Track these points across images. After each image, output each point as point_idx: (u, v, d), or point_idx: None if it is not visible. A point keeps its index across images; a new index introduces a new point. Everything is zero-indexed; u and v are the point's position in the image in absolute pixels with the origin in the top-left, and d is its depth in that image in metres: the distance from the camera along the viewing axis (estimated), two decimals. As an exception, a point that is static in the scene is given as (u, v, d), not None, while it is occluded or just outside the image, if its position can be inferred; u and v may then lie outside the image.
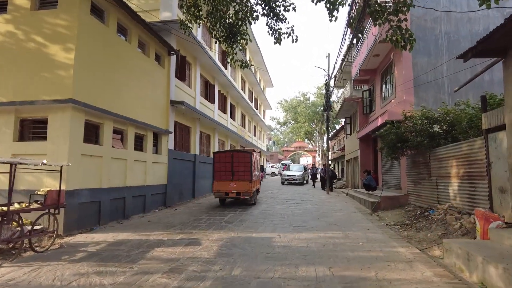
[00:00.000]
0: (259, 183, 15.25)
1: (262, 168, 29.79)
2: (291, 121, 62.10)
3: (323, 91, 51.71)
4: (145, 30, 10.50)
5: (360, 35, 15.07)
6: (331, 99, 17.98)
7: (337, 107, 24.75)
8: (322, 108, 49.74)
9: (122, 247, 5.84)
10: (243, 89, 26.47)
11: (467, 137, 7.13)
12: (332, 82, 20.99)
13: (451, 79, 11.45)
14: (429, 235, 6.53)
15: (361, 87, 19.20)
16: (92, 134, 8.49)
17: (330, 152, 45.50)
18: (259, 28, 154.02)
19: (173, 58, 12.75)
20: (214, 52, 18.20)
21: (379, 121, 12.45)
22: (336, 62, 16.08)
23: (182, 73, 13.73)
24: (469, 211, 6.58)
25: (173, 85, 12.67)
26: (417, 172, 9.98)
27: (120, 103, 9.25)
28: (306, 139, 64.43)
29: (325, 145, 57.51)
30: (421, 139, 8.90)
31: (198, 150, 15.42)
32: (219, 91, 19.13)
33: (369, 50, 13.44)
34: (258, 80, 32.24)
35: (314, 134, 58.45)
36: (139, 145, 10.48)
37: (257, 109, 32.42)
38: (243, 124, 26.82)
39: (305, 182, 26.39)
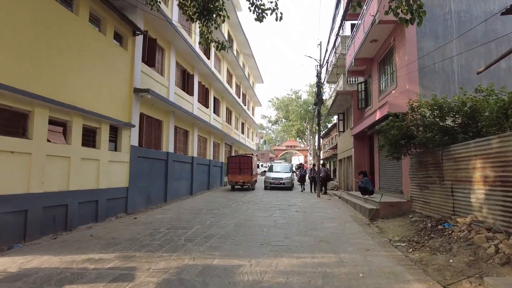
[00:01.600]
0: (256, 176, 22.89)
1: (258, 166, 33.06)
2: (283, 119, 60.76)
3: (315, 89, 50.56)
4: (99, 1, 8.63)
5: (356, 21, 13.43)
6: (323, 97, 16.30)
7: (329, 103, 23.10)
8: (313, 105, 48.42)
9: (18, 284, 4.02)
10: (229, 82, 24.65)
11: (501, 131, 5.46)
12: (323, 75, 19.32)
13: (462, 66, 9.84)
14: (451, 260, 4.83)
15: (355, 80, 17.54)
16: (17, 125, 6.61)
17: (321, 151, 44.06)
18: (247, 19, 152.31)
19: (140, 40, 10.89)
20: (195, 38, 16.36)
21: (378, 115, 10.79)
22: (327, 50, 14.39)
23: (151, 58, 11.86)
24: (507, 229, 4.92)
25: (139, 70, 10.81)
26: (425, 175, 8.32)
27: (63, 88, 7.37)
28: (298, 138, 63.05)
29: (318, 144, 56.28)
30: (431, 134, 7.23)
31: (173, 148, 13.58)
32: (200, 83, 17.29)
33: (365, 34, 11.76)
34: (247, 75, 30.47)
35: (306, 133, 57.09)
36: (90, 140, 8.61)
37: (245, 105, 30.63)
38: (229, 121, 25.00)
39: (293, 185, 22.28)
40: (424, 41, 9.87)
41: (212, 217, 9.03)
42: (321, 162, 29.54)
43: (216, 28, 8.83)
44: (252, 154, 21.77)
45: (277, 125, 67.13)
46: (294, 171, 24.75)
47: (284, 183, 19.68)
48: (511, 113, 5.03)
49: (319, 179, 16.31)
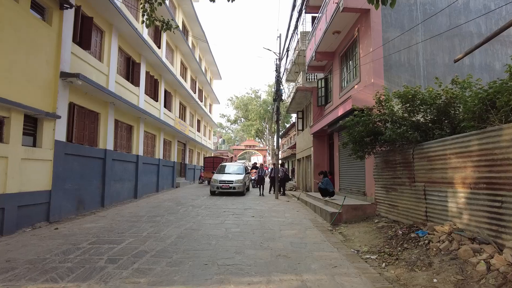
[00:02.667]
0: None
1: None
2: (242, 119, 59.83)
3: (274, 88, 50.15)
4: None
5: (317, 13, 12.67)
6: (282, 93, 15.41)
7: (288, 102, 22.37)
8: (271, 104, 48.03)
9: None
10: (184, 76, 23.03)
11: (484, 125, 4.74)
12: (282, 71, 18.48)
13: (428, 60, 9.37)
14: (435, 280, 3.98)
15: (315, 77, 16.88)
16: None
17: (280, 151, 43.68)
18: (204, 13, 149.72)
19: (70, 15, 9.13)
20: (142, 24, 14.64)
21: (340, 111, 10.04)
22: (285, 41, 13.46)
23: (86, 40, 10.11)
24: (495, 239, 4.17)
25: (68, 52, 9.05)
26: (392, 175, 7.62)
27: None
28: (257, 138, 62.38)
29: (276, 142, 55.62)
30: (403, 130, 6.48)
31: (112, 145, 11.84)
32: (148, 73, 15.60)
33: (328, 24, 10.98)
34: (203, 70, 28.97)
35: (265, 133, 56.61)
36: (-7, 132, 6.83)
37: (202, 101, 29.08)
38: (183, 117, 23.36)
39: (246, 189, 18.20)
40: (389, 32, 9.26)
41: (152, 226, 7.61)
42: (280, 162, 28.83)
43: (160, 4, 7.55)
44: (225, 156, 23.86)
45: (236, 124, 66.13)
46: (249, 172, 21.52)
47: (234, 187, 15.78)
48: (499, 104, 4.30)
49: (277, 180, 15.37)
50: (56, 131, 8.57)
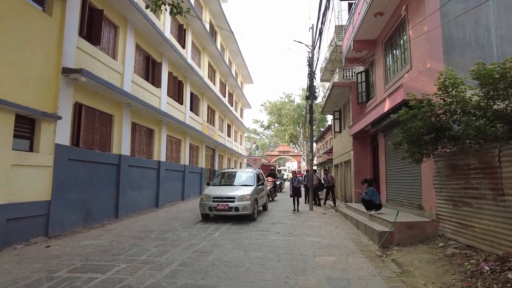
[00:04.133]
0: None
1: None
2: (275, 124, 58.50)
3: (307, 86, 48.18)
4: None
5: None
6: (316, 89, 13.69)
7: (323, 102, 20.49)
8: (305, 101, 46.10)
9: None
10: (212, 78, 22.06)
11: None
12: (316, 67, 16.79)
13: (503, 37, 7.34)
14: None
15: (353, 74, 14.93)
16: None
17: (316, 156, 41.59)
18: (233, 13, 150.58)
19: (74, 5, 8.25)
20: (164, 20, 13.77)
21: (387, 106, 8.22)
22: (318, 24, 11.72)
23: (95, 34, 9.23)
24: None
25: (72, 46, 8.13)
26: (462, 185, 5.72)
27: None
28: (291, 143, 60.55)
29: (310, 146, 53.84)
30: (483, 123, 4.64)
31: (128, 149, 10.85)
32: (170, 74, 14.64)
33: (368, 5, 9.24)
34: (234, 73, 28.00)
35: (299, 138, 54.68)
36: (-25, 134, 5.92)
37: (232, 105, 28.02)
38: (211, 121, 22.33)
39: (259, 209, 11.32)
40: (449, 4, 7.34)
41: (158, 246, 6.30)
42: (314, 168, 26.98)
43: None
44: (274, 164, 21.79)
45: (269, 130, 64.79)
46: (261, 183, 14.72)
47: (237, 208, 9.41)
48: None
49: (312, 188, 13.60)
50: (57, 133, 7.60)
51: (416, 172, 7.82)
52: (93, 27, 9.18)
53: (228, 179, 11.59)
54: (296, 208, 12.35)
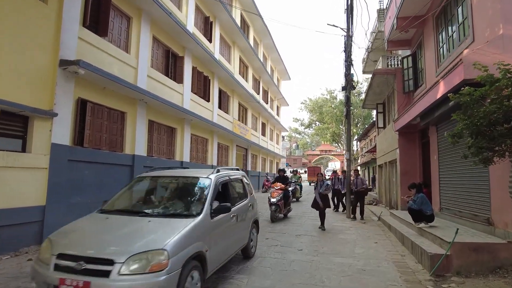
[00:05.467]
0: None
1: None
2: (317, 122, 56.32)
3: (353, 90, 45.37)
4: None
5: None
6: (353, 77, 11.90)
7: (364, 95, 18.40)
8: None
9: None
10: (244, 75, 21.02)
11: None
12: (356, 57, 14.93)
13: None
14: None
15: (398, 63, 12.89)
16: None
17: (358, 154, 38.88)
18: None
19: (76, -9, 7.55)
20: (186, 11, 12.93)
21: (441, 91, 6.47)
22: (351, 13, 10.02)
23: (102, 24, 8.50)
24: None
25: (73, 36, 7.41)
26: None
27: None
28: (333, 142, 57.90)
29: (356, 145, 50.53)
30: None
31: (144, 149, 10.08)
32: (195, 69, 13.75)
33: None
34: (269, 69, 26.84)
35: (342, 136, 51.96)
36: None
37: (267, 103, 26.80)
38: (243, 120, 21.27)
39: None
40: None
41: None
42: (358, 168, 24.78)
43: None
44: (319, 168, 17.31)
45: (310, 128, 62.61)
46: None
47: None
48: None
49: (349, 193, 11.52)
50: (54, 132, 6.90)
51: (482, 174, 5.98)
52: (100, 17, 8.46)
53: (148, 196, 5.02)
54: (322, 224, 8.84)
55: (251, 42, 22.06)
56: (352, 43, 11.53)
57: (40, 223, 6.59)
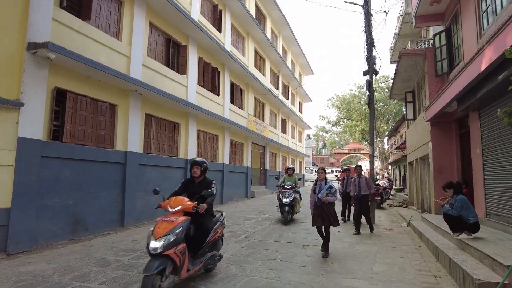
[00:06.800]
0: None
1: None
2: (345, 119, 54.04)
3: (382, 84, 42.82)
4: None
5: None
6: (375, 60, 10.27)
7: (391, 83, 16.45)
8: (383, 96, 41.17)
9: None
10: (260, 68, 19.82)
11: None
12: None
13: None
14: None
15: (428, 44, 11.17)
16: None
17: (388, 152, 36.42)
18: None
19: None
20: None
21: (486, 60, 4.94)
22: None
23: (84, 6, 7.65)
24: None
25: (46, 18, 6.56)
26: None
27: None
28: (363, 140, 55.30)
29: (386, 143, 47.76)
30: None
31: (138, 146, 9.14)
32: (201, 59, 12.73)
33: None
34: (290, 64, 25.57)
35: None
36: None
37: (287, 98, 25.45)
38: (260, 116, 20.06)
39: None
40: None
41: (109, 282, 4.20)
42: (389, 168, 23.34)
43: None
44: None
45: (338, 126, 60.26)
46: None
47: None
48: None
49: (371, 194, 8.35)
50: (22, 125, 6.06)
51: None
52: (81, -2, 7.62)
53: None
54: (326, 248, 5.76)
55: (268, 33, 20.84)
56: (373, 22, 9.95)
57: (5, 228, 5.75)
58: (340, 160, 60.11)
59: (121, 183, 8.51)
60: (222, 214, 5.00)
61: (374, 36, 9.76)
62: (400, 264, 5.21)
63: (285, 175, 10.06)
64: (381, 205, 13.50)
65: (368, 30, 9.70)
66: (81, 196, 7.32)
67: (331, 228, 5.89)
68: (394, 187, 21.32)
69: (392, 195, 19.54)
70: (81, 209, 7.34)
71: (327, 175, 6.25)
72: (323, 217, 5.69)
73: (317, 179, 5.97)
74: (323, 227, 5.77)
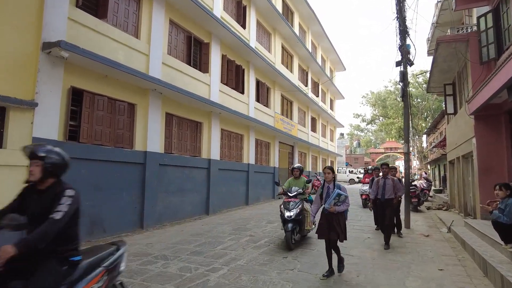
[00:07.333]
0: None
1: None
2: (380, 117, 51.84)
3: (419, 78, 40.45)
4: None
5: None
6: (410, 48, 9.34)
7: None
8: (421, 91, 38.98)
9: None
10: (288, 65, 19.26)
11: None
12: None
13: None
14: None
15: (470, 29, 10.02)
16: None
17: (427, 150, 34.30)
18: None
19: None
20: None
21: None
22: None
23: (100, 4, 7.58)
24: None
25: (61, 16, 6.52)
26: None
27: None
28: (400, 139, 52.78)
29: (424, 142, 45.35)
30: None
31: (158, 146, 8.98)
32: (225, 57, 12.43)
33: None
34: (320, 60, 24.83)
35: (410, 132, 46.80)
36: None
37: (317, 96, 24.62)
38: (288, 114, 19.46)
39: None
40: None
41: None
42: (427, 169, 21.98)
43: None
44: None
45: (373, 124, 57.97)
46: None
47: None
48: None
49: (405, 195, 8.02)
50: (37, 125, 6.03)
51: None
52: (98, -4, 7.54)
53: None
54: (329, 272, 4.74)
55: (296, 29, 20.19)
56: (406, 7, 9.04)
57: (19, 230, 5.71)
58: (376, 160, 57.74)
59: (140, 183, 8.37)
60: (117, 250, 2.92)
61: (408, 24, 8.79)
62: (439, 279, 4.49)
63: (290, 178, 7.10)
64: (418, 207, 12.43)
65: (400, 15, 8.83)
66: (98, 197, 7.22)
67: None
68: (433, 188, 19.83)
69: (431, 196, 18.17)
70: (99, 211, 7.25)
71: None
72: (330, 228, 4.66)
73: (324, 181, 4.95)
74: (329, 241, 4.69)
